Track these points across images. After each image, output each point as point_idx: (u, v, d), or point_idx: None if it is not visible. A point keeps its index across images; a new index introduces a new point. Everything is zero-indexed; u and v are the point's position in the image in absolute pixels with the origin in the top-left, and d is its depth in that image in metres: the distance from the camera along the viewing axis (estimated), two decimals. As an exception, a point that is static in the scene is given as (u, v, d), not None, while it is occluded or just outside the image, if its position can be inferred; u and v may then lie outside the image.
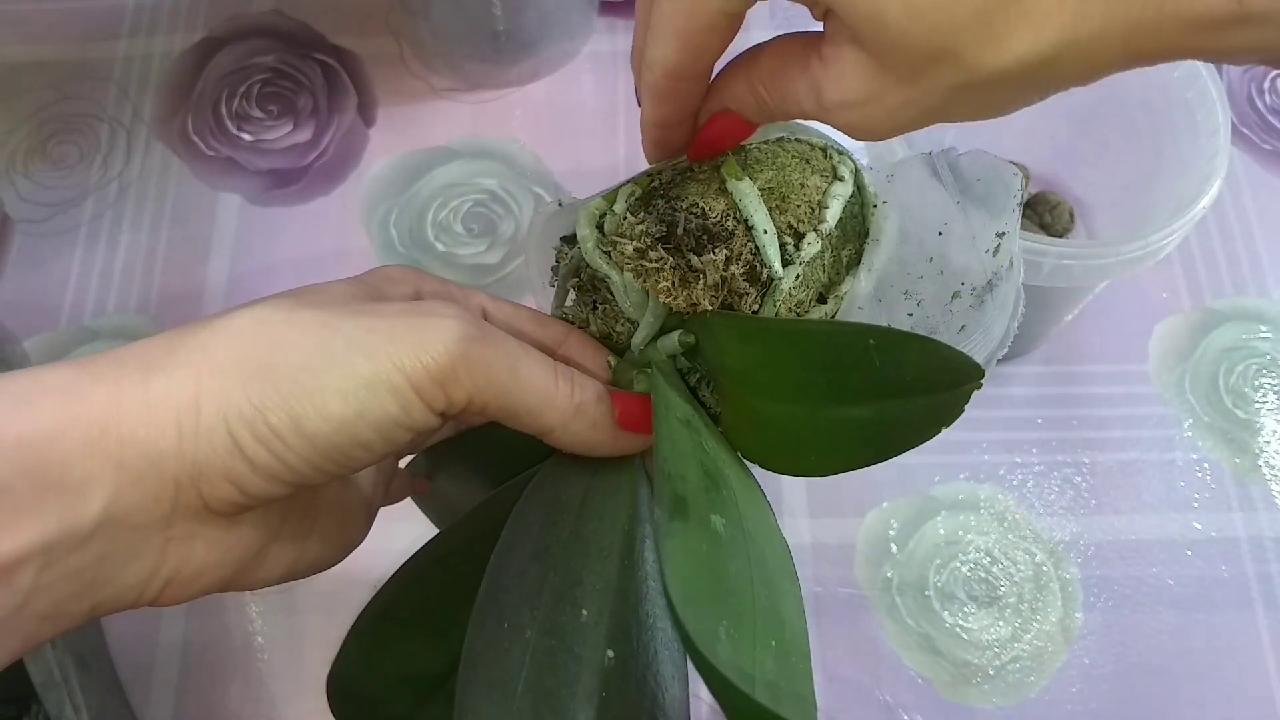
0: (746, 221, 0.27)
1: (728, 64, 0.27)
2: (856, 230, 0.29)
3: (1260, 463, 0.53)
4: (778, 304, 0.27)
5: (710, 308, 0.27)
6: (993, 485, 0.52)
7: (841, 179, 0.28)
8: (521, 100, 0.64)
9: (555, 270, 0.32)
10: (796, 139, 0.30)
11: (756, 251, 0.27)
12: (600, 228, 0.29)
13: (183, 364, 0.23)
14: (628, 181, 0.30)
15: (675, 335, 0.28)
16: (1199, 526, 0.51)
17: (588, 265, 0.29)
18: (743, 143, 0.29)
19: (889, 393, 0.23)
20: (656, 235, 0.27)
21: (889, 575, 0.50)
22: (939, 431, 0.23)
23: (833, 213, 0.28)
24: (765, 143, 0.30)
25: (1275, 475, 0.53)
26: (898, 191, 0.29)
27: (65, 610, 0.22)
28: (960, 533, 0.51)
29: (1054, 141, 0.57)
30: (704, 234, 0.27)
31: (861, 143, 0.31)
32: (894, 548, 0.51)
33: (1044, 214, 0.57)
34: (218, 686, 0.48)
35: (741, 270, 0.27)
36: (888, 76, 0.23)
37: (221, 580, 0.25)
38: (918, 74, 0.22)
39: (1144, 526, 0.51)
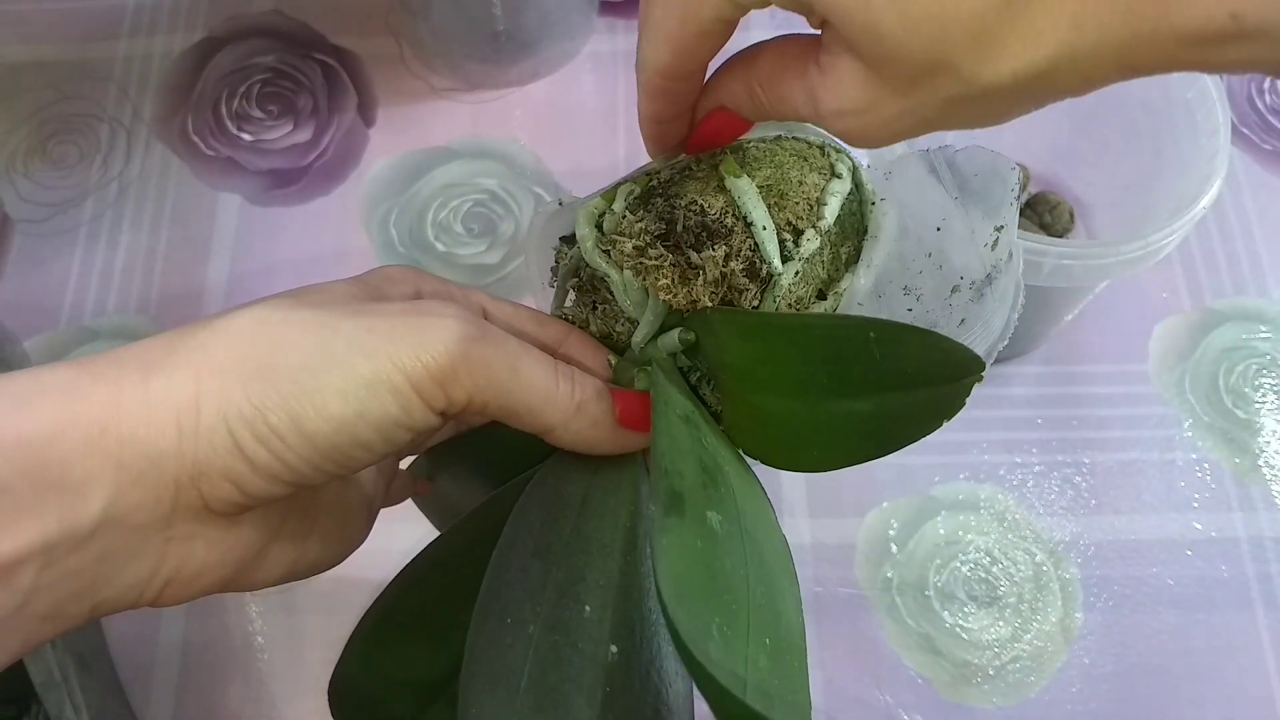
0: (745, 218, 0.27)
1: (726, 61, 0.27)
2: (855, 227, 0.29)
3: (1260, 463, 0.53)
4: (777, 300, 0.27)
5: (710, 304, 0.27)
6: (993, 485, 0.52)
7: (839, 176, 0.29)
8: (521, 100, 0.64)
9: (555, 270, 0.32)
10: (794, 137, 0.30)
11: (756, 248, 0.27)
12: (599, 227, 0.29)
13: (183, 364, 0.23)
14: (626, 180, 0.30)
15: (675, 333, 0.28)
16: (1199, 526, 0.51)
17: (587, 265, 0.29)
18: (740, 139, 0.29)
19: (890, 386, 0.23)
20: (656, 233, 0.27)
21: (889, 575, 0.50)
22: (940, 424, 0.23)
23: (831, 209, 0.28)
24: (763, 140, 0.30)
25: (1275, 475, 0.52)
26: (896, 188, 0.29)
27: (65, 610, 0.22)
28: (960, 533, 0.51)
29: (1054, 141, 0.57)
30: (703, 231, 0.26)
31: (859, 143, 0.31)
32: (894, 548, 0.51)
33: (1044, 214, 0.57)
34: (218, 686, 0.48)
35: (741, 266, 0.27)
36: (884, 87, 0.23)
37: (221, 580, 0.25)
38: (914, 85, 0.22)
39: (1144, 526, 0.51)
